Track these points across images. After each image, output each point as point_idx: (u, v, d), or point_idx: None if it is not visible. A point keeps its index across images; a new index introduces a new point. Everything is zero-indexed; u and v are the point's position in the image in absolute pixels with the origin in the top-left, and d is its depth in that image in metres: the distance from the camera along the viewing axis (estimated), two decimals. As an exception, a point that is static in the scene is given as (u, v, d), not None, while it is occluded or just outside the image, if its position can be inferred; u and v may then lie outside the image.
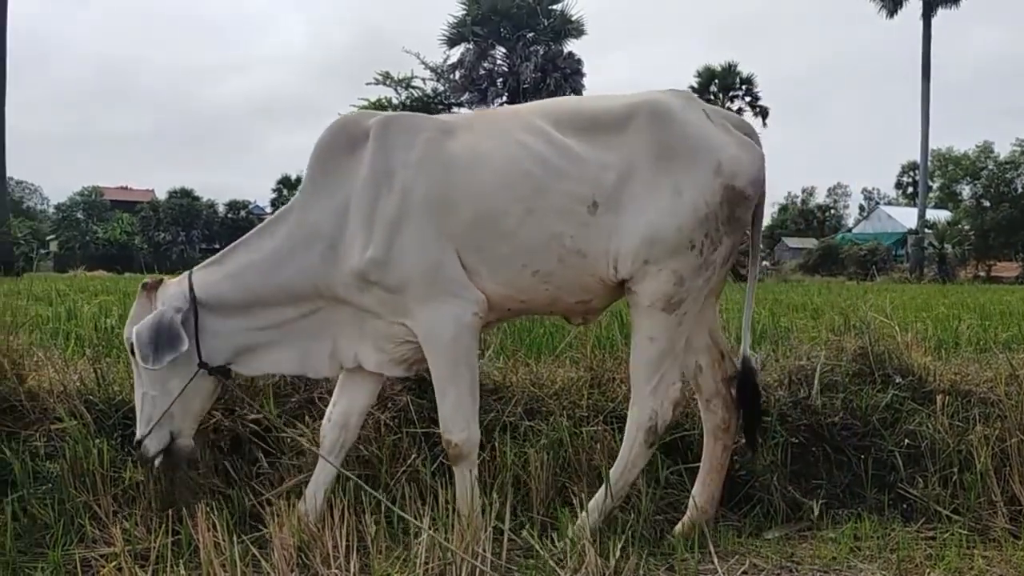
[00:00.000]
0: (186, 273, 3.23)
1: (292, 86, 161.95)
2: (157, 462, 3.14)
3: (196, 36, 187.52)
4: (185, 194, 57.73)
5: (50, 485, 3.30)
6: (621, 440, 3.60)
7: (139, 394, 3.15)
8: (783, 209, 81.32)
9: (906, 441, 3.80)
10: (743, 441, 3.67)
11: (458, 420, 3.08)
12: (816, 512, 3.53)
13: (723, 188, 3.08)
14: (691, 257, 3.08)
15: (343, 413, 3.30)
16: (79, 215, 60.93)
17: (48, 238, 57.52)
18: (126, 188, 71.33)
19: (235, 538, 2.69)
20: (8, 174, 30.82)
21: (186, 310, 3.09)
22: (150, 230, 55.51)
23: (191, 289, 3.13)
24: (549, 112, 3.23)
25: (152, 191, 66.14)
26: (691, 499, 3.36)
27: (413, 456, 3.58)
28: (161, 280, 3.21)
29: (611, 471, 3.21)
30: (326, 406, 3.72)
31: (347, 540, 2.68)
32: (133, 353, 3.07)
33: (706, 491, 3.35)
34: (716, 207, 3.08)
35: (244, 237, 3.26)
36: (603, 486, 3.19)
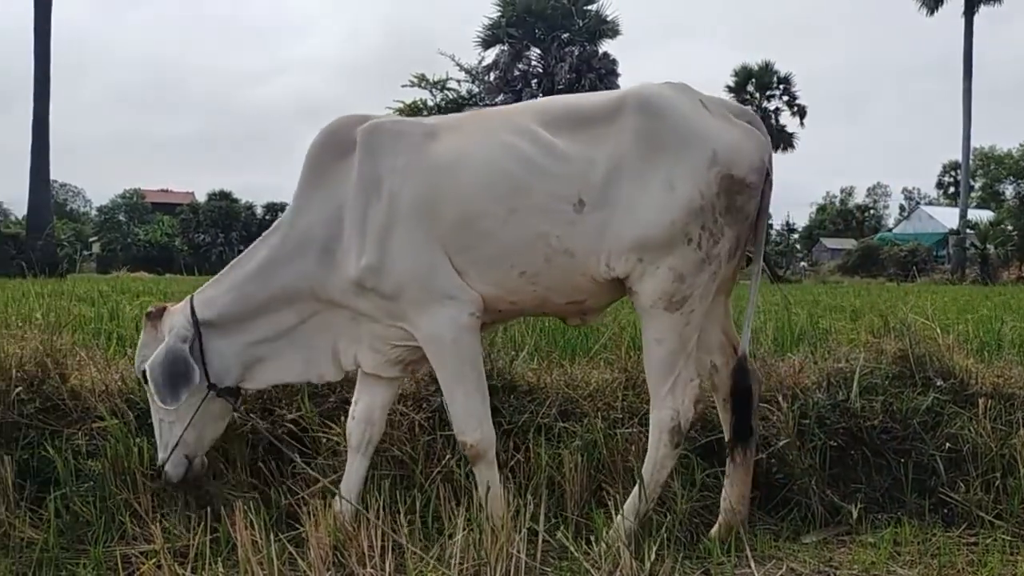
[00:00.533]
0: (188, 297, 3.29)
1: (330, 88, 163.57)
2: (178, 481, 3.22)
3: (237, 40, 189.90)
4: (224, 196, 58.38)
5: (92, 483, 3.36)
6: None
7: (156, 420, 3.24)
8: (821, 209, 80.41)
9: (947, 445, 3.74)
10: (782, 443, 3.64)
11: (470, 421, 3.09)
12: (855, 516, 3.48)
13: (720, 177, 2.99)
14: (689, 252, 3.00)
15: (366, 409, 3.31)
16: (121, 217, 61.95)
17: (91, 240, 58.52)
18: (166, 191, 72.36)
19: (272, 537, 2.72)
20: (52, 177, 31.42)
21: (191, 336, 3.16)
22: (190, 232, 56.18)
23: (193, 313, 3.19)
24: (539, 110, 3.20)
25: (192, 193, 66.97)
26: (722, 500, 3.33)
27: (448, 457, 3.59)
28: (164, 308, 3.29)
29: (641, 472, 3.18)
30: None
31: (382, 540, 2.70)
32: (146, 381, 3.14)
33: (735, 490, 3.30)
34: (713, 198, 2.99)
35: (241, 255, 3.32)
36: (635, 488, 3.17)
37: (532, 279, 3.07)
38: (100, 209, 64.78)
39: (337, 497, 3.20)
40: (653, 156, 3.01)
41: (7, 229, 35.28)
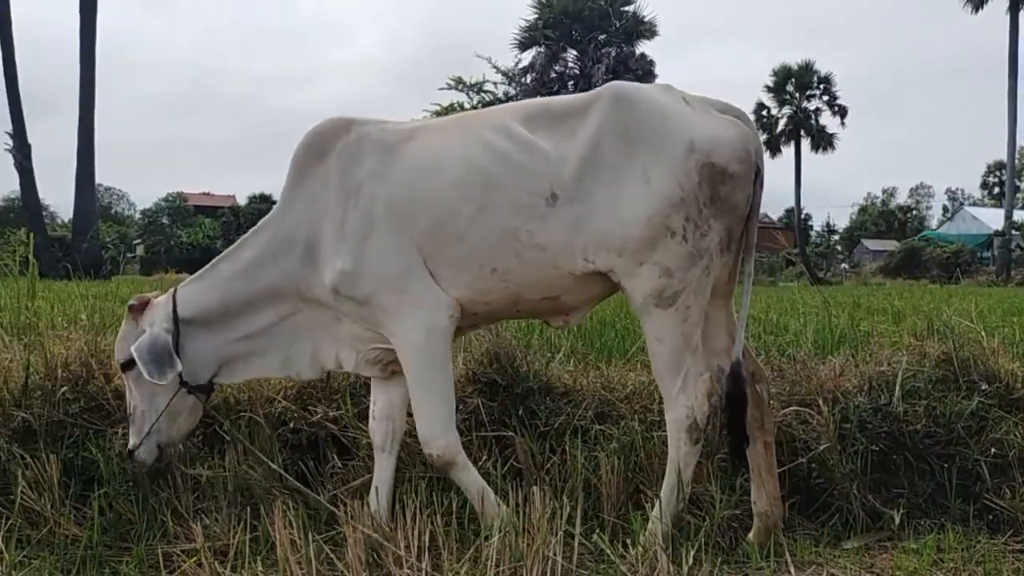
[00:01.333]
0: (171, 290, 3.34)
1: (368, 92, 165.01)
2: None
3: (277, 45, 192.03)
4: (264, 199, 58.94)
5: (134, 482, 3.41)
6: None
7: (130, 407, 3.31)
8: (862, 210, 79.42)
9: (992, 450, 3.66)
10: (823, 447, 3.59)
11: (435, 428, 3.09)
12: (897, 522, 3.42)
13: (699, 166, 2.92)
14: (673, 246, 2.94)
15: (385, 407, 3.34)
16: (164, 220, 62.87)
17: (135, 242, 59.47)
18: (208, 194, 73.30)
19: (310, 536, 2.74)
20: (97, 180, 31.99)
21: (172, 331, 3.23)
22: (231, 234, 56.75)
23: (175, 310, 3.25)
24: (517, 108, 3.20)
25: (233, 196, 67.82)
26: (752, 504, 3.29)
27: (484, 458, 3.59)
28: (148, 301, 3.34)
29: (666, 475, 3.14)
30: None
31: (419, 540, 2.71)
32: (125, 369, 3.26)
33: (764, 492, 3.25)
34: (694, 188, 2.93)
35: (225, 251, 3.37)
36: (662, 490, 3.14)
37: (503, 276, 3.04)
38: (144, 212, 65.82)
39: (371, 495, 3.22)
40: (628, 149, 2.97)
41: (53, 232, 35.95)
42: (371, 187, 3.10)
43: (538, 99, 3.36)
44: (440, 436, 3.09)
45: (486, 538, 2.77)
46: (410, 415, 3.36)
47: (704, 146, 2.94)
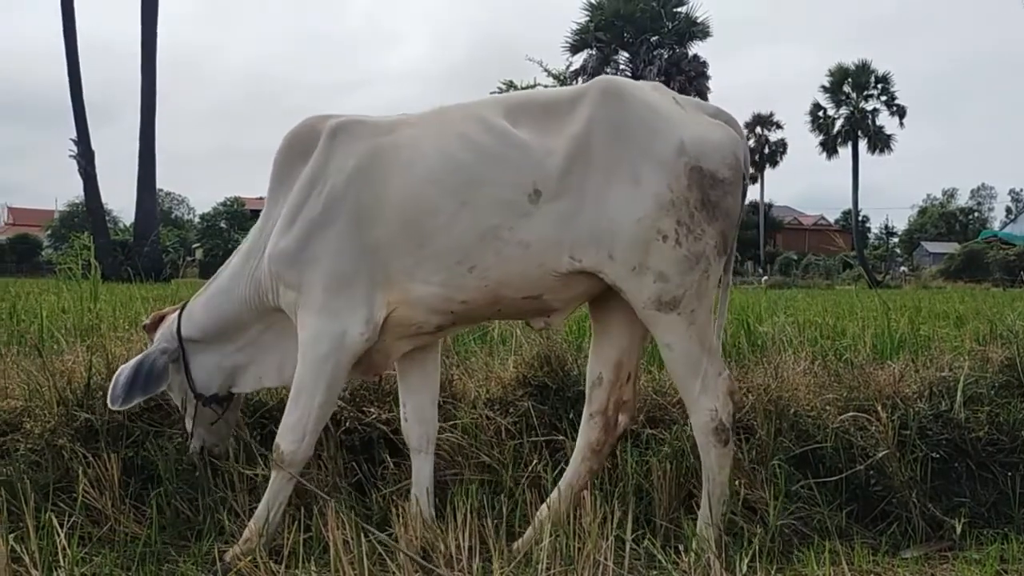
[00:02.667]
0: (180, 305, 3.40)
1: (421, 97, 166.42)
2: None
3: (329, 52, 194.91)
4: (318, 203, 59.75)
5: (192, 481, 3.48)
6: (745, 450, 3.52)
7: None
8: (922, 212, 77.71)
9: (1060, 459, 3.55)
10: (881, 454, 3.51)
11: (296, 431, 3.02)
12: (958, 531, 3.33)
13: (689, 170, 2.83)
14: (667, 250, 2.84)
15: (415, 408, 3.32)
16: (222, 224, 64.06)
17: (194, 246, 60.77)
18: (264, 199, 74.47)
19: (363, 537, 2.77)
20: (158, 185, 32.76)
21: (172, 349, 3.28)
22: (286, 238, 57.73)
23: (179, 328, 3.31)
24: (501, 101, 3.08)
25: (288, 201, 68.71)
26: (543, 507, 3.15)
27: (535, 462, 3.59)
28: (162, 317, 3.43)
29: (703, 481, 3.08)
30: (452, 408, 3.79)
31: (469, 542, 2.71)
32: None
33: (562, 508, 3.05)
34: (684, 191, 2.82)
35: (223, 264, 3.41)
36: (703, 496, 3.10)
37: (482, 274, 2.91)
38: (203, 216, 67.16)
39: (412, 498, 3.23)
40: (617, 147, 2.86)
41: (116, 236, 36.90)
42: (337, 182, 3.01)
43: (524, 91, 3.27)
44: (296, 441, 3.01)
45: (536, 542, 2.77)
46: (441, 413, 3.38)
47: (694, 149, 2.85)
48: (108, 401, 3.21)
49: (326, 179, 3.03)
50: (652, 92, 3.01)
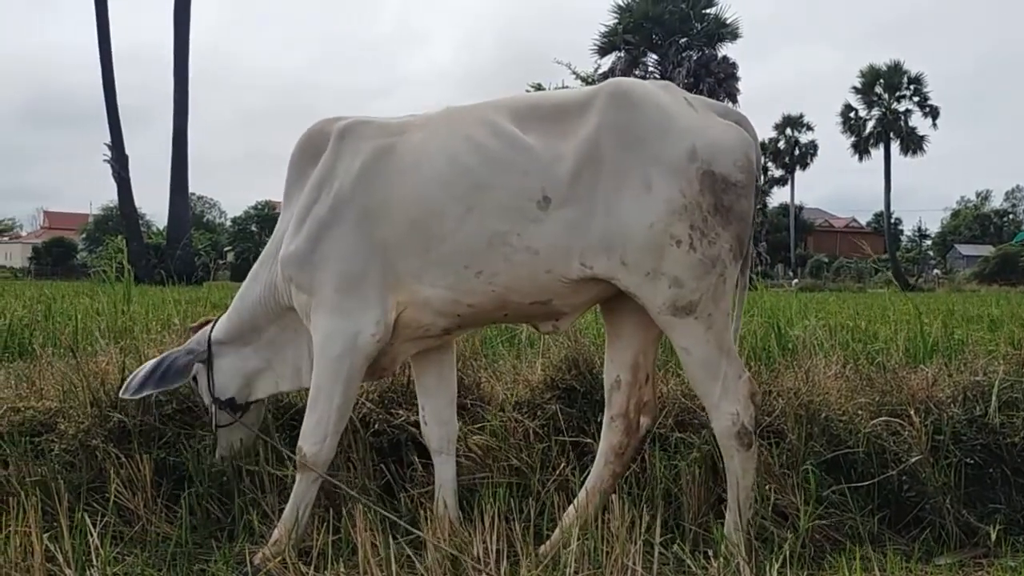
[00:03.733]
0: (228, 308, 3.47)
1: (449, 99, 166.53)
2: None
3: (358, 57, 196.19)
4: (347, 207, 60.13)
5: (222, 482, 3.51)
6: (776, 455, 3.49)
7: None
8: (955, 215, 76.68)
9: (1099, 465, 3.48)
10: (914, 459, 3.47)
11: (317, 432, 3.03)
12: (993, 538, 3.28)
13: (701, 175, 2.78)
14: (680, 255, 2.79)
15: (434, 411, 3.33)
16: (253, 228, 64.71)
17: (225, 249, 61.37)
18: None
19: (391, 539, 2.77)
20: (190, 189, 33.15)
21: (200, 351, 3.36)
22: (316, 241, 58.13)
23: (211, 332, 3.40)
24: (509, 104, 3.03)
25: (318, 204, 69.25)
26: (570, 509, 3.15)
27: (563, 465, 3.58)
28: (208, 321, 3.52)
29: (728, 486, 3.05)
30: (480, 411, 3.80)
31: (496, 545, 2.71)
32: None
33: (589, 511, 3.07)
34: (696, 195, 2.77)
35: None
36: (728, 500, 3.07)
37: (490, 279, 2.89)
38: (234, 220, 67.96)
39: (436, 500, 3.23)
40: (628, 151, 2.81)
41: (149, 239, 37.33)
42: (344, 182, 3.02)
43: (532, 94, 3.20)
44: (318, 442, 3.03)
45: (565, 545, 2.76)
46: (469, 416, 3.37)
47: (706, 153, 2.80)
48: (120, 389, 3.29)
49: (334, 180, 3.05)
50: (663, 94, 2.95)
